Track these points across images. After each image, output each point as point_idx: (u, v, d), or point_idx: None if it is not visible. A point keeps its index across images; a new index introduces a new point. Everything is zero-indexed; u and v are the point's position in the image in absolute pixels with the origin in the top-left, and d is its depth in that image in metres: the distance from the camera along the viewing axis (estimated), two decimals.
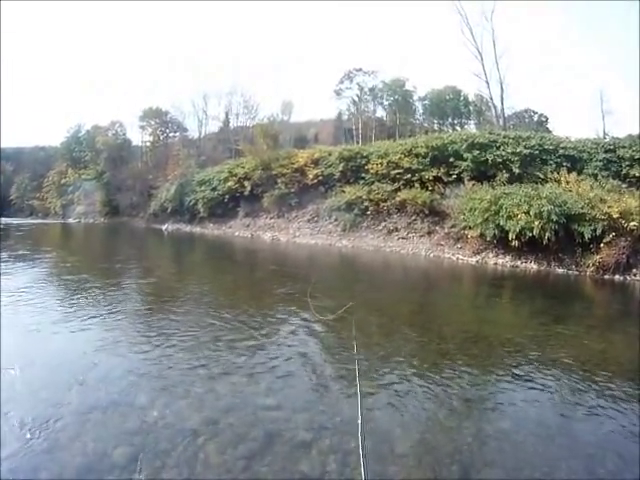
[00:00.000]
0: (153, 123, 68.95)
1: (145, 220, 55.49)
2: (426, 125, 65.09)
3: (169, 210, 50.96)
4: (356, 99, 64.98)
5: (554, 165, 27.65)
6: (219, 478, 5.07)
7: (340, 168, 35.94)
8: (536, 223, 20.89)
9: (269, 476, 5.10)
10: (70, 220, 66.20)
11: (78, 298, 13.70)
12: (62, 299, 13.79)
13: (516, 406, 7.06)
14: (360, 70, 63.56)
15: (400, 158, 32.85)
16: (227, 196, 44.08)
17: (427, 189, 30.47)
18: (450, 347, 9.80)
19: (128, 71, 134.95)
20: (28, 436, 5.72)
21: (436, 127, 64.01)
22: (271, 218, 40.15)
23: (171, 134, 69.90)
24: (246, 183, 42.10)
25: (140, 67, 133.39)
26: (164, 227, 49.79)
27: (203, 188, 46.56)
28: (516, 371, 8.49)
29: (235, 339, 9.84)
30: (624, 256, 19.46)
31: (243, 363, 8.45)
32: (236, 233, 41.26)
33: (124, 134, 71.09)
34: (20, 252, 25.15)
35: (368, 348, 9.63)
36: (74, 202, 70.30)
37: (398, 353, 9.33)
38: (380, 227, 31.34)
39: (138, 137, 71.13)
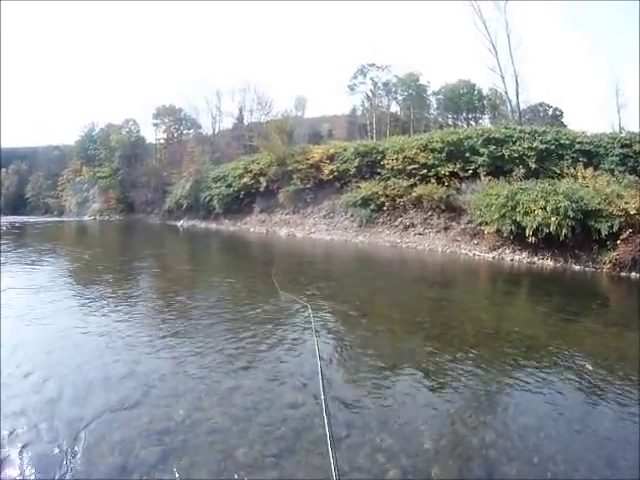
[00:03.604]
0: (167, 120, 69.27)
1: (160, 217, 55.89)
2: (440, 120, 64.46)
3: (184, 207, 51.26)
4: (370, 94, 64.64)
5: (570, 160, 27.54)
6: None
7: (356, 164, 36.01)
8: (553, 219, 20.73)
9: None
10: (85, 218, 66.56)
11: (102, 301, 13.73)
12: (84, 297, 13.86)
13: (538, 402, 7.13)
14: (373, 65, 63.27)
15: (416, 153, 32.84)
16: (242, 192, 44.29)
17: (443, 184, 30.44)
18: (471, 343, 9.82)
19: (141, 69, 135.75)
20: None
21: (450, 122, 63.56)
22: (287, 214, 40.29)
23: (185, 131, 70.35)
24: (261, 179, 42.33)
25: (153, 64, 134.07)
26: (179, 223, 50.20)
27: (218, 184, 46.80)
28: (537, 367, 8.55)
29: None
30: None
31: None
32: (252, 229, 41.53)
33: (138, 132, 71.75)
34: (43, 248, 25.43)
35: (390, 344, 9.89)
36: (89, 200, 70.68)
37: (421, 350, 9.39)
38: (396, 223, 31.32)
39: (152, 134, 71.73)
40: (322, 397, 6.39)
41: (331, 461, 5.03)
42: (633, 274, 19.14)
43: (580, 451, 5.86)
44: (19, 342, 9.26)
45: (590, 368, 8.60)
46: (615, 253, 19.78)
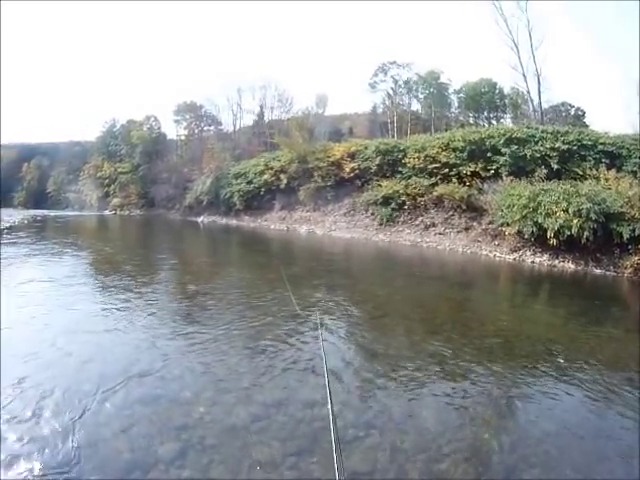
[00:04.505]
0: (188, 117, 69.45)
1: (181, 212, 56.13)
2: (462, 119, 64.00)
3: (204, 203, 51.50)
4: (391, 92, 64.18)
5: (593, 161, 27.30)
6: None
7: (377, 162, 36.05)
8: (575, 221, 20.53)
9: None
10: (106, 212, 67.22)
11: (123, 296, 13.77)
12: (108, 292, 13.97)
13: (558, 408, 7.20)
14: (394, 63, 62.74)
15: (437, 152, 32.87)
16: (263, 189, 44.56)
17: (464, 184, 30.44)
18: (493, 346, 9.96)
19: (163, 65, 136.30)
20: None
21: (472, 121, 62.88)
22: (307, 211, 40.43)
23: (205, 128, 70.38)
24: (282, 176, 42.51)
25: (175, 61, 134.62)
26: (200, 219, 50.42)
27: (239, 181, 47.09)
28: (557, 372, 8.62)
29: None
30: None
31: None
32: (272, 226, 41.66)
33: (159, 128, 71.91)
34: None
35: (411, 345, 9.99)
36: (109, 195, 71.22)
37: (442, 351, 9.48)
38: (417, 222, 31.34)
39: (173, 131, 72.01)
40: (329, 401, 6.28)
41: (335, 462, 4.91)
42: None
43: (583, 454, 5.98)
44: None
45: (610, 372, 8.71)
46: (637, 257, 19.64)
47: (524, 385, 8.11)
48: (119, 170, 70.39)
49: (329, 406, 5.95)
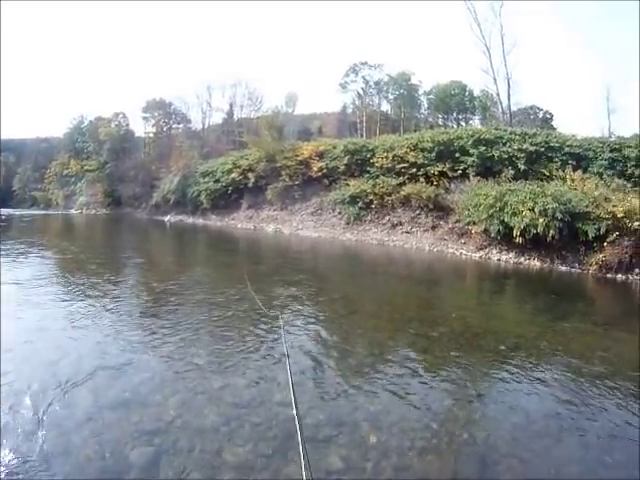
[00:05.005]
0: (156, 114, 69.03)
1: (147, 211, 55.70)
2: (431, 120, 65.03)
3: (172, 201, 51.07)
4: (361, 92, 64.89)
5: (560, 163, 27.63)
6: None
7: (345, 161, 35.96)
8: (540, 220, 20.85)
9: None
10: (72, 211, 66.46)
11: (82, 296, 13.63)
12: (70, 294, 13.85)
13: (527, 401, 7.17)
14: (366, 63, 63.51)
15: (406, 152, 32.92)
16: (230, 188, 44.24)
17: (432, 184, 30.53)
18: (461, 342, 9.84)
19: (133, 62, 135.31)
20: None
21: (440, 122, 64.05)
22: (274, 210, 40.21)
23: (174, 125, 70.03)
24: (250, 175, 42.14)
25: (145, 58, 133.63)
26: (166, 218, 49.90)
27: (206, 180, 46.75)
28: (526, 366, 8.59)
29: None
30: (627, 255, 19.44)
31: None
32: (239, 225, 41.41)
33: (127, 125, 71.40)
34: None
35: (380, 341, 9.88)
36: (76, 193, 70.36)
37: (410, 348, 9.43)
38: (384, 221, 31.31)
39: (141, 128, 71.45)
40: (292, 400, 6.33)
41: (302, 460, 4.91)
42: (619, 276, 19.36)
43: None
44: None
45: (578, 366, 8.71)
46: (601, 255, 19.93)
47: (492, 380, 8.13)
48: (86, 168, 69.58)
49: (293, 407, 6.06)
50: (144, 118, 69.90)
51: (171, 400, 6.64)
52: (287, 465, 5.17)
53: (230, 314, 11.35)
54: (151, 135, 70.14)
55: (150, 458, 5.21)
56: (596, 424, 6.52)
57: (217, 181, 45.38)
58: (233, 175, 43.68)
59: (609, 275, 19.56)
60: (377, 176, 33.53)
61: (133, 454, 5.30)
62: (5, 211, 63.40)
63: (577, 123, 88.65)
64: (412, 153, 32.63)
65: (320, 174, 37.54)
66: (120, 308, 11.84)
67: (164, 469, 5.05)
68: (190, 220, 47.73)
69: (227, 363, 8.12)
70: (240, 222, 41.92)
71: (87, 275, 16.51)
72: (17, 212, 63.87)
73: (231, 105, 65.61)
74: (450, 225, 27.60)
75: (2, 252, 21.10)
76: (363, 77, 64.21)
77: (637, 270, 19.39)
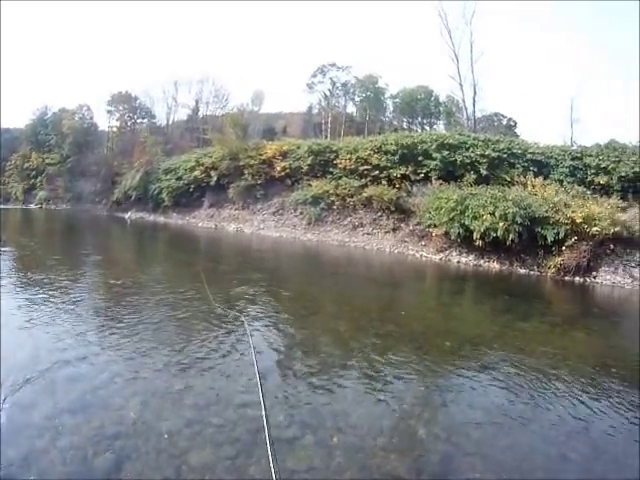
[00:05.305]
0: (121, 108, 67.95)
1: (108, 208, 54.57)
2: (395, 123, 65.79)
3: (133, 198, 50.26)
4: (328, 94, 65.17)
5: (521, 169, 27.93)
6: None
7: (308, 162, 35.86)
8: (501, 224, 21.20)
9: None
10: (32, 206, 64.86)
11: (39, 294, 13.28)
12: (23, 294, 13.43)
13: (487, 398, 7.37)
14: (334, 65, 63.75)
15: (369, 155, 32.96)
16: (192, 186, 43.75)
17: (394, 186, 30.68)
18: (421, 342, 9.97)
19: (99, 52, 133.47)
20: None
21: (405, 125, 65.05)
22: (236, 209, 39.94)
23: (139, 120, 68.91)
24: (212, 173, 41.77)
25: (113, 49, 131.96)
26: (127, 216, 49.10)
27: (168, 177, 46.09)
28: (485, 365, 8.79)
29: None
30: (585, 259, 20.02)
31: None
32: (200, 224, 41.00)
33: (91, 118, 69.94)
34: None
35: (341, 342, 9.94)
36: (36, 187, 69.05)
37: (371, 349, 9.41)
38: (345, 222, 31.40)
39: (105, 122, 70.06)
40: (262, 402, 6.45)
41: (270, 462, 5.00)
42: (577, 278, 19.99)
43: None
44: None
45: (537, 364, 8.93)
46: (560, 258, 20.42)
47: (452, 378, 8.29)
48: (47, 161, 67.96)
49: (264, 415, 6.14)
50: (108, 112, 68.66)
51: (131, 402, 6.54)
52: (252, 466, 5.16)
53: (189, 314, 11.28)
54: (115, 129, 68.90)
55: (112, 462, 5.14)
56: (557, 421, 6.72)
57: (179, 178, 44.81)
58: (196, 173, 43.19)
59: (567, 278, 20.08)
60: (340, 177, 33.54)
61: (95, 458, 5.22)
62: None
63: (541, 132, 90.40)
64: (376, 155, 32.67)
65: (283, 174, 37.41)
66: (78, 306, 11.72)
67: (127, 473, 4.97)
68: (151, 218, 47.08)
69: (187, 363, 8.06)
70: (201, 221, 41.55)
71: (45, 272, 16.17)
72: None
73: (197, 101, 65.08)
74: (411, 227, 27.84)
75: None
76: (331, 78, 64.58)
77: (594, 273, 20.08)
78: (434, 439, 5.99)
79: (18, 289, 13.42)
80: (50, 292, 12.94)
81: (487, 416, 6.68)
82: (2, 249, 21.15)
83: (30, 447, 5.37)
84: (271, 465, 4.91)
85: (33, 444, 5.43)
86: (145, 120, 68.44)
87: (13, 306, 11.20)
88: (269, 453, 5.09)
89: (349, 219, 31.35)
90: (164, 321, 10.55)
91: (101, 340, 9.06)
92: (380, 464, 5.34)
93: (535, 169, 27.58)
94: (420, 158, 30.84)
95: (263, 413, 6.08)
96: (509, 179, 27.23)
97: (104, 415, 6.14)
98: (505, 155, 29.06)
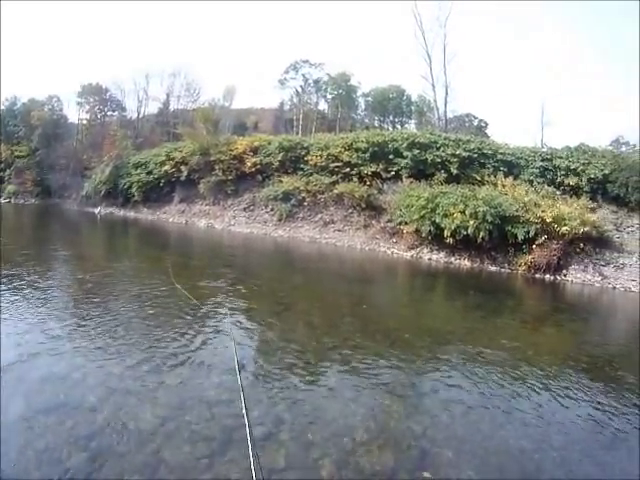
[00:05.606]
0: (92, 100, 67.01)
1: (77, 202, 53.43)
2: (367, 121, 66.09)
3: (102, 193, 49.18)
4: (300, 90, 65.23)
5: (492, 169, 28.25)
6: None
7: (279, 158, 35.78)
8: (471, 222, 21.49)
9: None
10: (0, 200, 64.03)
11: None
12: None
13: (460, 393, 7.44)
14: (307, 62, 63.79)
15: (340, 152, 32.96)
16: (163, 180, 43.22)
17: (365, 184, 30.75)
18: (393, 338, 10.04)
19: (70, 42, 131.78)
20: None
21: (377, 124, 65.19)
22: (207, 205, 39.63)
23: (109, 113, 68.07)
24: (183, 168, 41.32)
25: (83, 39, 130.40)
26: (97, 210, 48.23)
27: (138, 171, 45.47)
28: (456, 361, 8.87)
29: None
30: (555, 257, 20.49)
31: None
32: (170, 219, 40.64)
33: (61, 110, 68.65)
34: None
35: (315, 338, 9.95)
36: (4, 181, 68.04)
37: (344, 344, 9.46)
38: (316, 219, 31.40)
39: (75, 114, 69.04)
40: (242, 401, 6.42)
41: (251, 460, 4.99)
42: (547, 276, 20.55)
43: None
44: None
45: (510, 358, 9.17)
46: (530, 256, 20.88)
47: (424, 375, 8.40)
48: (16, 154, 66.81)
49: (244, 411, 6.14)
50: (78, 103, 67.46)
51: (105, 401, 6.46)
52: (229, 465, 5.16)
53: (160, 309, 11.23)
54: (85, 122, 67.92)
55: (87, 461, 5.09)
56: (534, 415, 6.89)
57: (149, 173, 44.26)
58: (166, 167, 42.65)
59: (537, 275, 20.58)
60: (311, 174, 33.57)
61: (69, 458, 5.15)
62: None
63: (512, 133, 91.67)
64: (347, 152, 32.70)
65: (254, 170, 37.23)
66: (48, 301, 11.59)
67: (103, 472, 4.91)
68: (121, 213, 46.43)
69: (158, 361, 7.97)
70: (172, 216, 41.16)
71: (15, 267, 15.91)
72: None
73: (168, 95, 64.20)
74: (382, 224, 27.94)
75: None
76: (303, 75, 64.65)
77: (564, 271, 20.61)
78: (409, 434, 6.04)
79: None
80: (19, 287, 12.77)
81: (463, 409, 6.81)
82: None
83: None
84: (251, 465, 4.89)
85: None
86: (115, 113, 67.52)
87: None
88: (250, 452, 5.08)
89: (320, 216, 31.35)
90: (135, 317, 10.46)
91: (70, 335, 8.96)
92: (360, 459, 5.37)
93: (505, 169, 27.97)
94: (391, 156, 30.97)
95: (244, 410, 6.06)
96: (480, 178, 27.50)
97: (76, 415, 6.06)
98: (476, 155, 29.30)
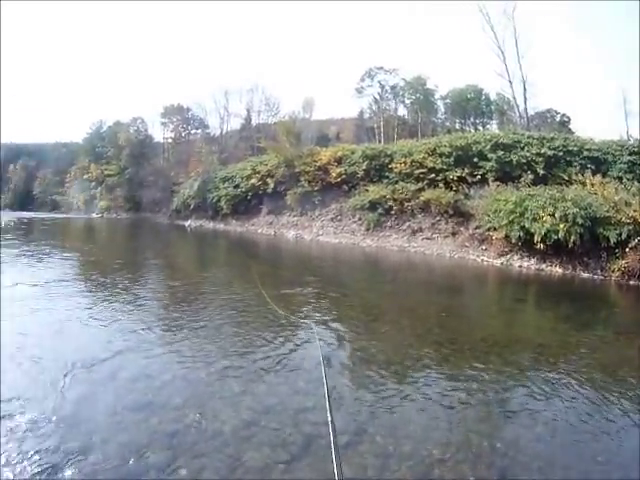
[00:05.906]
0: (175, 120, 69.45)
1: (168, 216, 55.77)
2: (448, 124, 64.94)
3: (192, 206, 51.11)
4: (377, 97, 65.18)
5: (578, 167, 27.46)
6: None
7: (363, 167, 35.90)
8: (561, 226, 20.76)
9: None
10: (93, 215, 66.94)
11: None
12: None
13: (549, 411, 7.15)
14: (381, 68, 63.69)
15: (424, 157, 32.81)
16: (250, 193, 44.21)
17: (451, 189, 30.40)
18: (481, 350, 9.91)
19: (151, 67, 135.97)
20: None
21: (458, 126, 64.34)
22: (294, 216, 40.22)
23: (193, 131, 70.45)
24: (269, 180, 42.18)
25: (163, 63, 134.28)
26: (187, 223, 50.17)
27: (226, 185, 46.80)
28: (549, 376, 8.60)
29: None
30: None
31: None
32: (259, 230, 41.54)
33: (145, 130, 72.01)
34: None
35: (403, 349, 9.94)
36: (96, 197, 70.97)
37: (431, 357, 9.44)
38: (404, 227, 31.34)
39: (160, 133, 71.81)
40: (327, 406, 6.38)
41: (334, 467, 4.83)
42: None
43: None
44: None
45: (602, 376, 8.76)
46: (624, 261, 19.72)
47: (515, 391, 8.09)
48: (106, 172, 70.12)
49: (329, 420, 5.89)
50: (162, 123, 70.56)
51: (190, 403, 6.78)
52: (307, 471, 5.28)
53: (250, 318, 11.74)
54: (170, 140, 70.70)
55: (169, 460, 5.37)
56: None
57: (237, 186, 45.42)
58: (252, 181, 43.69)
59: (632, 282, 19.18)
60: (396, 182, 33.48)
61: (149, 452, 5.50)
62: (27, 214, 64.67)
63: (594, 126, 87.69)
64: (430, 158, 32.54)
65: (339, 180, 37.47)
66: (140, 306, 12.52)
67: (182, 471, 5.19)
68: (210, 225, 47.84)
69: (245, 367, 8.30)
70: (260, 227, 42.08)
71: (110, 275, 17.24)
72: (38, 215, 65.11)
73: (248, 110, 65.91)
74: (470, 231, 27.51)
75: (28, 253, 22.29)
76: (379, 82, 64.55)
77: None
78: (497, 452, 5.90)
79: (84, 290, 14.56)
80: (115, 293, 13.88)
81: (550, 431, 6.54)
82: (66, 254, 22.62)
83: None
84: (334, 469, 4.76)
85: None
86: (199, 130, 69.83)
87: (81, 305, 12.16)
88: (333, 458, 4.90)
89: (408, 224, 31.28)
90: (224, 324, 11.03)
91: (161, 339, 9.65)
92: (439, 474, 5.38)
93: (592, 166, 27.06)
94: (475, 159, 30.68)
95: (329, 417, 5.93)
96: (567, 178, 26.79)
97: (163, 415, 6.39)
98: (561, 153, 28.77)
